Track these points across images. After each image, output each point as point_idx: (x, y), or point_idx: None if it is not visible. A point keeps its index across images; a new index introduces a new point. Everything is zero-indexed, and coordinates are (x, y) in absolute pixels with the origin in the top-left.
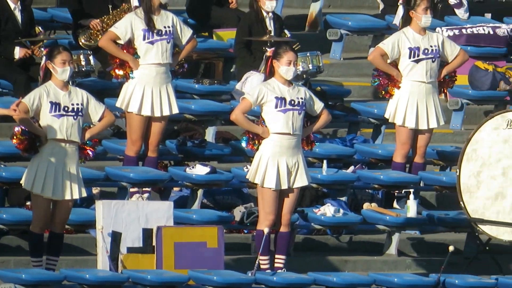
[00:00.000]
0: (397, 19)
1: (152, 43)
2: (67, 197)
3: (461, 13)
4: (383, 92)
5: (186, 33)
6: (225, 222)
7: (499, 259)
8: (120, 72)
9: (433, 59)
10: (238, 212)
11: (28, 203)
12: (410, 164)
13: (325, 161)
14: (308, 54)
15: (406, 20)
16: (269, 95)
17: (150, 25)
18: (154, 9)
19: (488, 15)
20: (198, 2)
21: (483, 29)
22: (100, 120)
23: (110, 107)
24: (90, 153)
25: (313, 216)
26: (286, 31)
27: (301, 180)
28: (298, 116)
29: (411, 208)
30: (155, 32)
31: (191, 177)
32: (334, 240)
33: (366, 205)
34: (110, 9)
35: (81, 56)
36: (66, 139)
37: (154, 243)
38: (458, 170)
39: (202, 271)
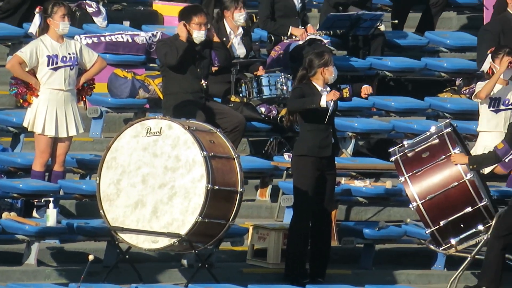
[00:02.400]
0: (33, 28)
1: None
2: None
3: (100, 21)
4: (22, 100)
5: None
6: None
7: (139, 267)
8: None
9: (71, 67)
10: None
11: None
12: (50, 172)
13: None
14: None
15: (44, 28)
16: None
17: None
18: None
19: (127, 23)
20: None
21: (122, 37)
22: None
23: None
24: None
25: None
26: None
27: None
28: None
29: (51, 217)
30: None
31: None
32: None
33: (5, 215)
34: None
35: None
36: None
37: None
38: (98, 178)
39: None
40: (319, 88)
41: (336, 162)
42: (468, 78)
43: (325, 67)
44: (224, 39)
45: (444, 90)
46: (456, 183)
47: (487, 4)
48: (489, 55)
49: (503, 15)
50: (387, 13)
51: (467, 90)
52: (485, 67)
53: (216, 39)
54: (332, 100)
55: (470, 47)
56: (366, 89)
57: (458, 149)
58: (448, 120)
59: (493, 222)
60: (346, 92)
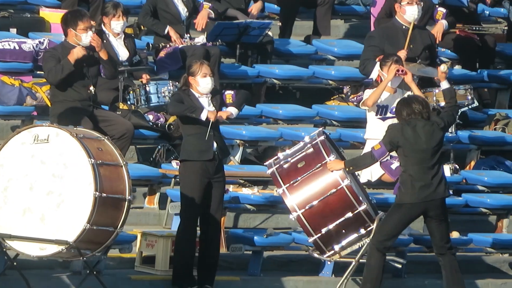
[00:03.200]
0: None
1: None
2: None
3: None
4: None
5: None
6: None
7: (27, 274)
8: None
9: None
10: None
11: None
12: None
13: None
14: None
15: None
16: None
17: None
18: None
19: (14, 30)
20: None
21: (9, 44)
22: None
23: None
24: None
25: None
26: None
27: None
28: None
29: None
30: None
31: None
32: None
33: None
34: None
35: None
36: None
37: None
38: None
39: None
40: (196, 95)
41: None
42: (355, 86)
43: (192, 77)
44: (105, 41)
45: (332, 98)
46: (334, 190)
47: (374, 12)
48: (378, 63)
49: (390, 22)
50: (275, 21)
51: (355, 98)
52: (374, 75)
53: (103, 54)
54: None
55: (358, 55)
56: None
57: (333, 156)
58: (321, 129)
59: (374, 225)
60: (229, 98)
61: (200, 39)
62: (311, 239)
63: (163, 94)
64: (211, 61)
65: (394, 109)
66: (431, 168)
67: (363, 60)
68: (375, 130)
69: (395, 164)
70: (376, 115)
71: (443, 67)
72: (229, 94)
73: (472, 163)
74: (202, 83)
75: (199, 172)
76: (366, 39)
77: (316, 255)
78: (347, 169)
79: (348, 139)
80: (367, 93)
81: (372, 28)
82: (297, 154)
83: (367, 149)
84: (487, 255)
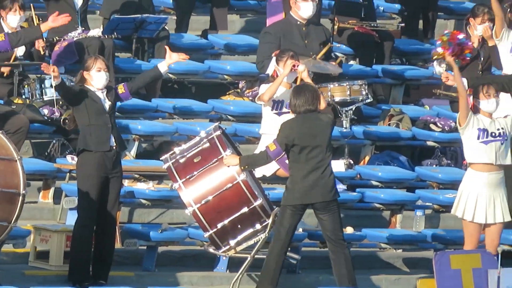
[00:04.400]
0: None
1: None
2: None
3: None
4: None
5: None
6: None
7: None
8: None
9: None
10: None
11: None
12: None
13: None
14: None
15: None
16: None
17: None
18: None
19: None
20: None
21: None
22: None
23: None
24: None
25: None
26: None
27: None
28: None
29: None
30: None
31: None
32: None
33: None
34: None
35: None
36: None
37: None
38: None
39: None
40: (92, 89)
41: None
42: (251, 80)
43: (87, 71)
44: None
45: (228, 93)
46: (230, 185)
47: (269, 7)
48: (274, 58)
49: (285, 18)
50: (171, 15)
51: (250, 93)
52: (270, 70)
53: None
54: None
55: (253, 50)
56: None
57: (229, 151)
58: (217, 123)
59: (270, 221)
60: (121, 88)
61: (95, 32)
62: (206, 234)
63: None
64: (105, 54)
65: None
66: (322, 168)
67: (261, 58)
68: (270, 125)
69: (282, 158)
70: (272, 110)
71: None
72: (121, 85)
73: (367, 158)
74: (96, 78)
75: (96, 164)
76: (262, 35)
77: (211, 250)
78: (241, 167)
79: (244, 134)
80: (263, 88)
81: (268, 23)
82: (193, 149)
83: (262, 144)
84: (381, 251)
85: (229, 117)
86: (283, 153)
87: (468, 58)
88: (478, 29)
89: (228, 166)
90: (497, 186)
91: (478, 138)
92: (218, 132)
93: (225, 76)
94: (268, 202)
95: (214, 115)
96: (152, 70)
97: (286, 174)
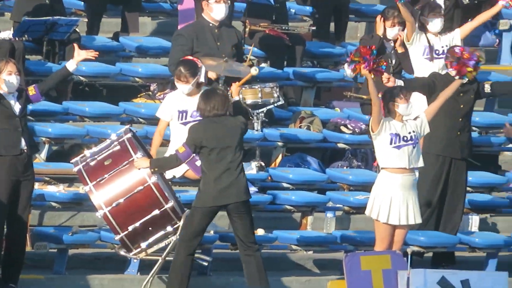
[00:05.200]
0: None
1: None
2: None
3: None
4: None
5: None
6: None
7: None
8: None
9: None
10: None
11: None
12: None
13: None
14: None
15: None
16: None
17: None
18: None
19: None
20: None
21: None
22: None
23: None
24: None
25: None
26: None
27: None
28: None
29: None
30: None
31: None
32: None
33: None
34: None
35: None
36: None
37: None
38: None
39: None
40: (2, 93)
41: None
42: (162, 83)
43: None
44: None
45: (139, 95)
46: (141, 187)
47: (181, 10)
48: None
49: (198, 20)
50: (82, 17)
51: (162, 96)
52: (202, 78)
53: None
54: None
55: (165, 52)
56: None
57: (140, 153)
58: (127, 126)
59: (181, 223)
60: (31, 90)
61: (6, 34)
62: (117, 237)
63: None
64: (16, 56)
65: (194, 113)
66: (234, 169)
67: (173, 60)
68: (178, 136)
69: (199, 161)
70: (178, 120)
71: (253, 70)
72: (31, 87)
73: (278, 161)
74: (7, 81)
75: (7, 168)
76: (174, 37)
77: (122, 253)
78: (152, 170)
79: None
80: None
81: (180, 26)
82: (103, 151)
83: (170, 149)
84: (292, 252)
85: (140, 119)
86: (193, 155)
87: (383, 70)
88: (388, 32)
89: (139, 169)
90: (410, 188)
91: (391, 143)
92: (129, 135)
93: (137, 79)
94: (179, 204)
95: (126, 118)
96: (61, 69)
97: (196, 176)
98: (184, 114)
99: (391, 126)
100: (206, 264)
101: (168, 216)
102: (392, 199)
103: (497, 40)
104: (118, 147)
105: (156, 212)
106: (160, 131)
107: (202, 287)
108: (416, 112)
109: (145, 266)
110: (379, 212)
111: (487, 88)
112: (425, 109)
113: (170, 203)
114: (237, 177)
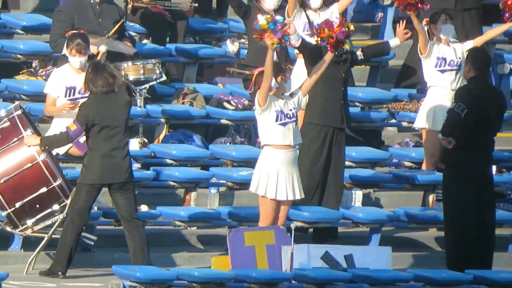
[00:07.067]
0: None
1: None
2: None
3: None
4: None
5: None
6: None
7: None
8: None
9: None
10: None
11: None
12: None
13: None
14: None
15: None
16: None
17: None
18: None
19: None
20: None
21: None
22: None
23: None
24: None
25: None
26: None
27: None
28: None
29: None
30: None
31: None
32: None
33: None
34: None
35: None
36: None
37: None
38: None
39: None
40: None
41: None
42: (44, 60)
43: None
44: None
45: (21, 72)
46: (30, 165)
47: None
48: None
49: None
50: None
51: (44, 72)
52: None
53: None
54: None
55: (46, 29)
56: None
57: (30, 130)
58: (18, 103)
59: (69, 201)
60: None
61: None
62: (4, 213)
63: None
64: None
65: (81, 90)
66: (121, 148)
67: (54, 37)
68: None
69: (83, 138)
70: (65, 97)
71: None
72: None
73: (161, 137)
74: None
75: None
76: (55, 13)
77: (8, 229)
78: (42, 148)
79: (37, 113)
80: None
81: (61, 2)
82: None
83: (53, 126)
84: (175, 228)
85: (23, 96)
86: (83, 133)
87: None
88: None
89: (29, 146)
90: (293, 164)
91: (276, 120)
92: (19, 112)
93: (18, 56)
94: (67, 182)
95: (8, 95)
96: None
97: (80, 152)
98: (72, 90)
99: (276, 105)
100: (92, 243)
101: (56, 194)
102: (278, 175)
103: (380, 15)
104: (8, 123)
105: (44, 189)
106: (48, 107)
107: (86, 264)
108: (293, 88)
109: (29, 243)
110: (266, 189)
111: (360, 54)
112: (301, 84)
113: (58, 181)
114: (125, 157)
